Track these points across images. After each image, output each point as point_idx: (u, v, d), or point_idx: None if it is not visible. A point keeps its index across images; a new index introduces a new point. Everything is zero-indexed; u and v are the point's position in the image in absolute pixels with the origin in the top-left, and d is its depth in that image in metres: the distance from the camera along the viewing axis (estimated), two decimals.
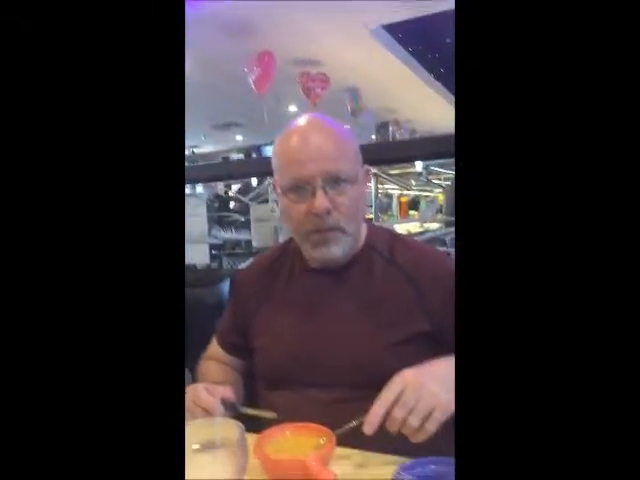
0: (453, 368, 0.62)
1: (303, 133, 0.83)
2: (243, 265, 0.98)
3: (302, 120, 0.86)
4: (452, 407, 0.63)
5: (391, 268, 0.86)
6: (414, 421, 0.62)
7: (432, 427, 0.63)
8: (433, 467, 0.60)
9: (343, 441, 0.69)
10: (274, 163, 0.85)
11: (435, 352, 0.80)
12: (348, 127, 0.88)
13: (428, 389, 0.63)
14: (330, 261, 0.84)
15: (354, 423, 0.66)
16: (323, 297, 0.86)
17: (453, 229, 2.48)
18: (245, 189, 2.91)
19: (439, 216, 2.62)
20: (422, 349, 0.80)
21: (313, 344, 0.84)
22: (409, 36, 4.85)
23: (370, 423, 0.63)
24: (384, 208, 5.93)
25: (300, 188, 0.81)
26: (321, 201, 0.79)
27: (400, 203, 5.92)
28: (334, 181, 0.80)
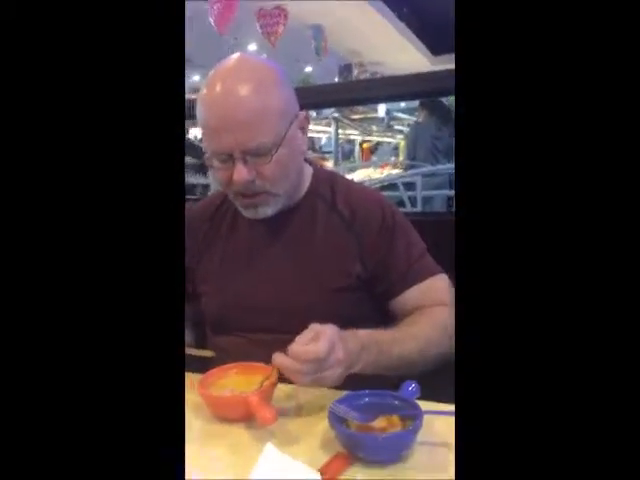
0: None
1: (223, 89, 0.74)
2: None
3: (226, 68, 0.77)
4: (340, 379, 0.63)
5: (332, 215, 0.85)
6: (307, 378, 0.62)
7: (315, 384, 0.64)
8: (367, 399, 0.63)
9: (284, 378, 0.71)
10: (198, 119, 0.78)
11: (369, 297, 0.83)
12: (278, 68, 0.79)
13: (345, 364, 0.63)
14: (262, 219, 0.83)
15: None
16: (265, 245, 0.86)
17: (410, 172, 2.49)
18: None
19: (396, 160, 2.62)
20: (359, 295, 0.83)
21: (255, 291, 0.84)
22: None
23: (279, 362, 0.63)
24: (346, 154, 5.90)
25: (219, 156, 0.76)
26: (240, 174, 0.74)
27: (362, 149, 5.89)
28: (254, 152, 0.75)
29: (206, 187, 2.79)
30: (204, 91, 0.77)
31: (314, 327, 0.64)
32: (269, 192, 0.79)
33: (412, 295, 0.82)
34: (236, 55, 0.80)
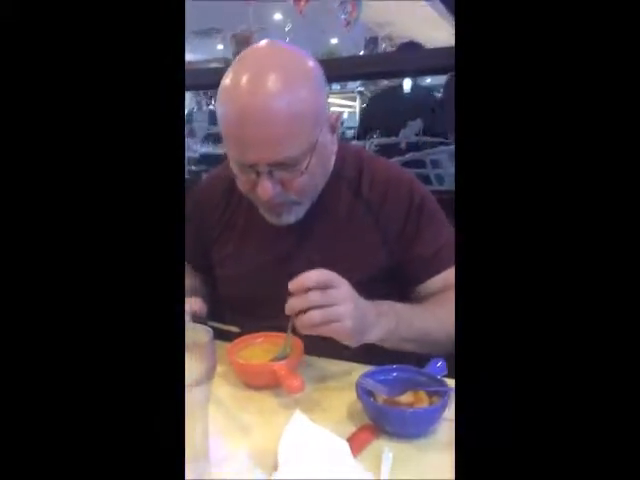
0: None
1: (249, 90, 0.64)
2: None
3: (253, 60, 0.68)
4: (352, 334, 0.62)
5: (357, 203, 0.79)
6: (317, 317, 0.60)
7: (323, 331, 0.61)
8: (395, 374, 0.63)
9: (311, 350, 0.72)
10: (217, 114, 0.70)
11: (394, 288, 0.79)
12: (311, 61, 0.70)
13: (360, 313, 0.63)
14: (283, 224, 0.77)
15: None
16: (285, 236, 0.80)
17: (436, 150, 2.44)
18: None
19: (421, 137, 2.56)
20: (383, 286, 0.78)
21: (275, 284, 0.75)
22: None
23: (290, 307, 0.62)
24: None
25: (241, 166, 0.70)
26: (265, 191, 0.68)
27: None
28: (282, 166, 0.68)
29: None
30: (224, 95, 0.68)
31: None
32: (294, 201, 0.73)
33: (436, 283, 0.78)
34: (264, 47, 0.71)
